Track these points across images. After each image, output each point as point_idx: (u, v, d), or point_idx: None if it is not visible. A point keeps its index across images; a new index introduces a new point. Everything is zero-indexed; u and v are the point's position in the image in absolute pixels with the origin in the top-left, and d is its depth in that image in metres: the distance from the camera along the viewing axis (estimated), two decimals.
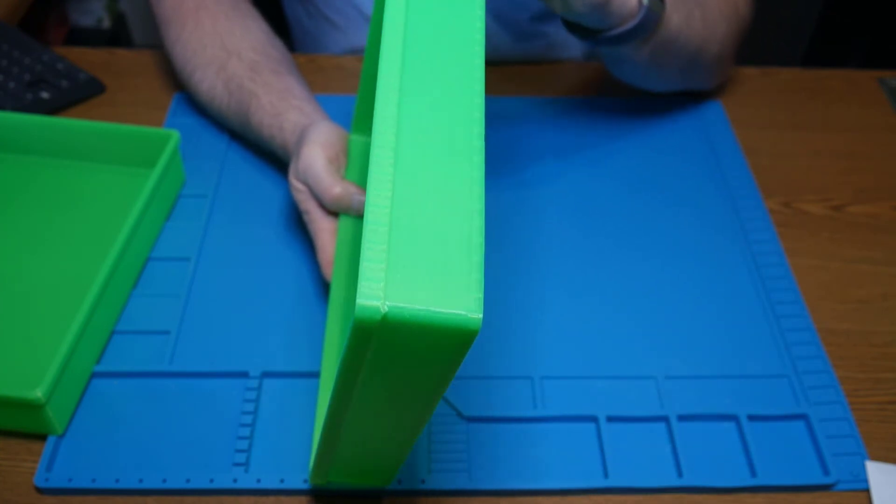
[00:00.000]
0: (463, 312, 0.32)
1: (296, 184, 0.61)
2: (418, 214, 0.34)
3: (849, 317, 0.64)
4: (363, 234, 0.33)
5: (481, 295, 0.32)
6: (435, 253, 0.33)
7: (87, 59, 0.84)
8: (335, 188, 0.58)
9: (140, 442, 0.54)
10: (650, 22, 0.60)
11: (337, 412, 0.40)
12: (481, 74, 0.38)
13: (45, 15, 1.51)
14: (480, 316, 0.32)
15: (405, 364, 0.35)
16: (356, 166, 0.64)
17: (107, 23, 1.65)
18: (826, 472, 0.54)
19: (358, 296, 0.31)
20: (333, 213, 0.61)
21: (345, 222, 0.60)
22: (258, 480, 0.52)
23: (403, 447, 0.45)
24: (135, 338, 0.60)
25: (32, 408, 0.51)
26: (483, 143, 0.37)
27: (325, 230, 0.60)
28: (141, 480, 0.52)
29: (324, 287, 0.63)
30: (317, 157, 0.59)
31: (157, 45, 0.80)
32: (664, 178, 0.74)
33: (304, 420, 0.55)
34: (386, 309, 0.31)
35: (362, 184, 0.61)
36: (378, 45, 0.40)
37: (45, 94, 0.78)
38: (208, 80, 0.72)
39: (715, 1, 0.71)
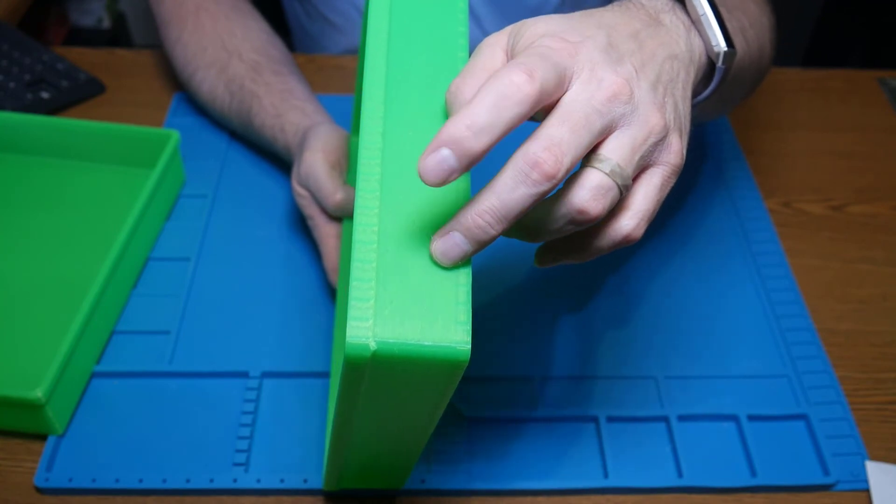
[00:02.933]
0: (451, 344, 0.32)
1: (298, 189, 0.61)
2: (405, 247, 0.34)
3: (849, 317, 0.64)
4: (350, 271, 0.33)
5: (469, 325, 0.33)
6: (422, 286, 0.33)
7: (87, 59, 0.84)
8: (337, 194, 0.58)
9: (140, 442, 0.54)
10: (724, 76, 0.45)
11: (340, 430, 0.40)
12: None
13: (45, 15, 1.51)
14: (468, 347, 0.32)
15: (400, 391, 0.36)
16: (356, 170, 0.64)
17: (107, 23, 1.65)
18: (826, 472, 0.54)
19: (347, 335, 0.32)
20: (337, 217, 0.61)
21: (348, 226, 0.61)
22: (258, 480, 0.52)
23: (411, 454, 0.45)
24: (135, 338, 0.60)
25: (32, 408, 0.51)
26: (468, 172, 0.37)
27: (329, 235, 0.60)
28: (141, 480, 0.52)
29: (324, 286, 0.63)
30: (318, 163, 0.59)
31: (157, 45, 0.80)
32: None
33: (304, 420, 0.55)
34: (375, 346, 0.32)
35: None
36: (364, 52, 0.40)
37: (45, 94, 0.78)
38: (209, 82, 0.72)
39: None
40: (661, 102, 0.37)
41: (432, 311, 0.33)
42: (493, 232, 0.34)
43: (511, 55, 0.37)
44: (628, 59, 0.37)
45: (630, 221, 0.38)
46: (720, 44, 0.42)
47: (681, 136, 0.39)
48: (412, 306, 0.33)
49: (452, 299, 0.33)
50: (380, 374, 0.33)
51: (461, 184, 0.36)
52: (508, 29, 0.38)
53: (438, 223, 0.35)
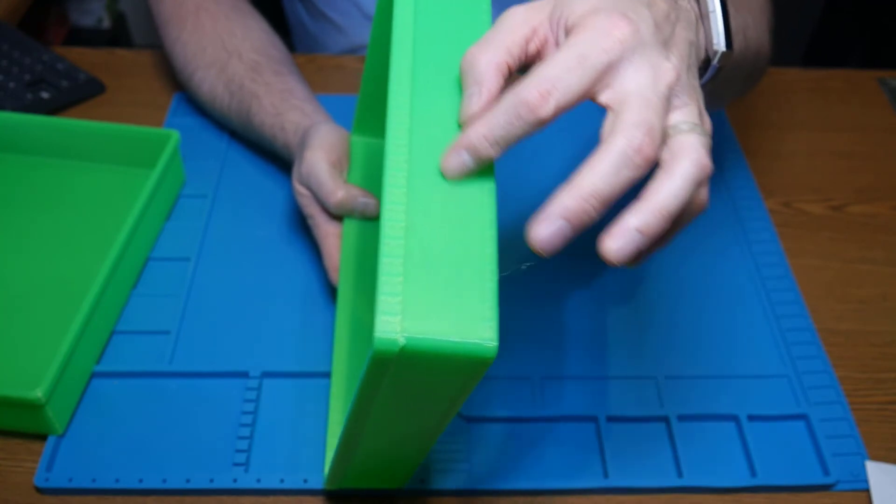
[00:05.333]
0: (478, 341, 0.32)
1: (299, 188, 0.61)
2: (432, 243, 0.34)
3: (849, 317, 0.64)
4: (378, 266, 0.33)
5: (496, 322, 0.33)
6: (449, 282, 0.33)
7: (87, 59, 0.84)
8: (338, 193, 0.58)
9: (140, 442, 0.54)
10: (716, 74, 0.46)
11: (354, 429, 0.40)
12: None
13: (45, 15, 1.51)
14: (496, 344, 0.32)
15: (421, 388, 0.36)
16: (358, 168, 0.64)
17: (107, 23, 1.65)
18: (826, 472, 0.54)
19: (375, 329, 0.32)
20: (338, 216, 0.61)
21: (349, 225, 0.61)
22: (258, 480, 0.52)
23: (418, 454, 0.45)
24: (135, 338, 0.60)
25: (32, 408, 0.51)
26: (493, 164, 0.37)
27: (330, 234, 0.60)
28: (141, 480, 0.52)
29: (324, 286, 0.63)
30: (319, 162, 0.59)
31: (157, 45, 0.80)
32: None
33: (304, 420, 0.55)
34: (403, 341, 0.32)
35: (365, 185, 0.61)
36: (384, 50, 0.40)
37: (45, 94, 0.78)
38: (209, 82, 0.72)
39: None
40: (696, 86, 0.39)
41: (460, 308, 0.33)
42: (594, 216, 0.35)
43: (563, 28, 0.37)
44: (672, 43, 0.38)
45: (705, 188, 0.39)
46: (721, 43, 0.43)
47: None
48: (440, 303, 0.33)
49: (479, 296, 0.33)
50: (405, 369, 0.33)
51: (487, 182, 0.36)
52: (548, 7, 0.38)
53: (465, 220, 0.35)
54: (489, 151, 0.36)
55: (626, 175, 0.35)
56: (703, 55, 0.43)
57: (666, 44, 0.38)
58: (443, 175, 0.36)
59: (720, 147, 0.77)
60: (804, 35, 1.72)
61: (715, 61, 0.43)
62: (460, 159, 0.36)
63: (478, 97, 0.36)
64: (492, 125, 0.35)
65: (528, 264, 0.59)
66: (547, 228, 0.34)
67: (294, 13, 0.98)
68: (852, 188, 0.75)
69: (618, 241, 0.35)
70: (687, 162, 0.36)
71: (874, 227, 0.72)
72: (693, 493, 0.54)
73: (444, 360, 0.33)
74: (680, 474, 0.54)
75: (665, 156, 0.36)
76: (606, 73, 0.35)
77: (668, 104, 0.36)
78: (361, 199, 0.59)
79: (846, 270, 0.68)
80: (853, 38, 1.66)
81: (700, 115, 0.38)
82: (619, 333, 0.62)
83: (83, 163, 0.71)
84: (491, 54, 0.37)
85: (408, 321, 0.32)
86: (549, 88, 0.35)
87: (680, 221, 0.39)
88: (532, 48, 0.38)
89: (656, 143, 0.35)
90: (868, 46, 1.63)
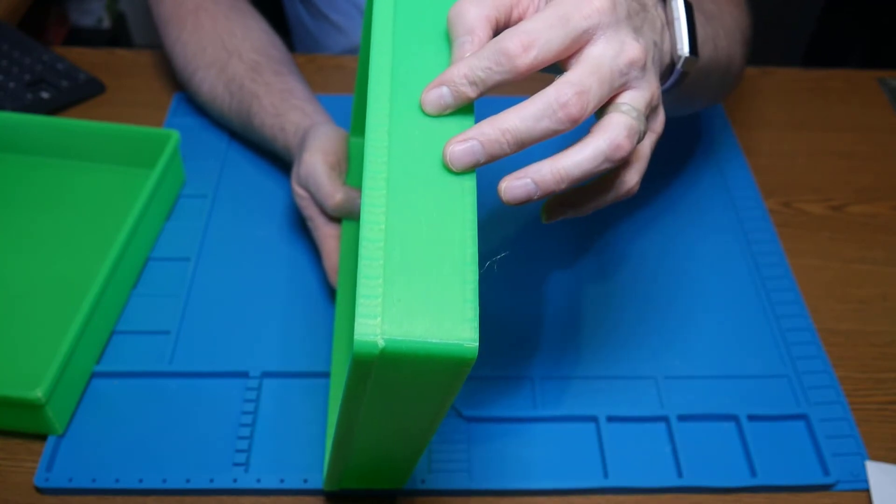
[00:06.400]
0: (459, 342, 0.32)
1: (298, 190, 0.61)
2: (412, 245, 0.34)
3: (849, 317, 0.64)
4: (358, 269, 0.33)
5: (477, 323, 0.33)
6: (430, 283, 0.33)
7: (87, 59, 0.84)
8: (337, 195, 0.58)
9: (140, 442, 0.54)
10: (681, 78, 0.48)
11: (345, 430, 0.40)
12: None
13: (45, 15, 1.51)
14: (476, 345, 0.32)
15: (406, 389, 0.36)
16: (357, 169, 0.64)
17: (107, 23, 1.65)
18: (826, 472, 0.54)
19: (355, 332, 0.32)
20: (337, 218, 0.61)
21: (348, 226, 0.61)
22: (258, 480, 0.52)
23: (414, 454, 0.45)
24: (135, 338, 0.60)
25: (32, 408, 0.51)
26: (475, 169, 0.37)
27: (329, 236, 0.60)
28: (141, 480, 0.52)
29: (324, 286, 0.63)
30: (318, 165, 0.59)
31: (157, 45, 0.80)
32: (664, 179, 0.74)
33: (304, 420, 0.55)
34: (383, 343, 0.32)
35: None
36: (368, 52, 0.40)
37: (45, 94, 0.78)
38: (209, 82, 0.72)
39: (728, 10, 0.64)
40: (654, 82, 0.41)
41: (440, 309, 0.32)
42: (507, 150, 0.36)
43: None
44: (641, 34, 0.40)
45: (635, 176, 0.42)
46: (684, 49, 0.45)
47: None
48: (420, 304, 0.32)
49: (460, 297, 0.33)
50: (387, 371, 0.33)
51: (467, 182, 0.36)
52: None
53: (445, 221, 0.35)
54: (466, 90, 0.36)
55: (546, 125, 0.36)
56: (667, 60, 0.45)
57: (639, 30, 0.40)
58: (422, 111, 0.37)
59: (720, 147, 0.77)
60: (804, 35, 1.72)
61: (679, 65, 0.46)
62: (439, 93, 0.37)
63: (470, 45, 0.37)
64: (472, 66, 0.36)
65: (500, 256, 0.59)
66: (462, 144, 0.36)
67: (294, 13, 0.98)
68: (852, 188, 0.75)
69: (512, 182, 0.37)
70: (602, 137, 0.37)
71: (874, 227, 0.72)
72: (693, 493, 0.54)
73: (426, 361, 0.32)
74: (680, 474, 0.54)
75: (592, 127, 0.38)
76: (582, 37, 0.37)
77: (622, 79, 0.38)
78: (359, 202, 0.59)
79: (846, 270, 0.68)
80: (853, 38, 1.66)
81: (648, 105, 0.39)
82: (618, 333, 0.62)
83: (83, 163, 0.71)
84: (480, 7, 0.38)
85: (387, 323, 0.32)
86: (530, 41, 0.36)
87: (598, 195, 0.42)
88: (515, 15, 0.39)
89: (585, 107, 0.36)
90: (868, 46, 1.63)
